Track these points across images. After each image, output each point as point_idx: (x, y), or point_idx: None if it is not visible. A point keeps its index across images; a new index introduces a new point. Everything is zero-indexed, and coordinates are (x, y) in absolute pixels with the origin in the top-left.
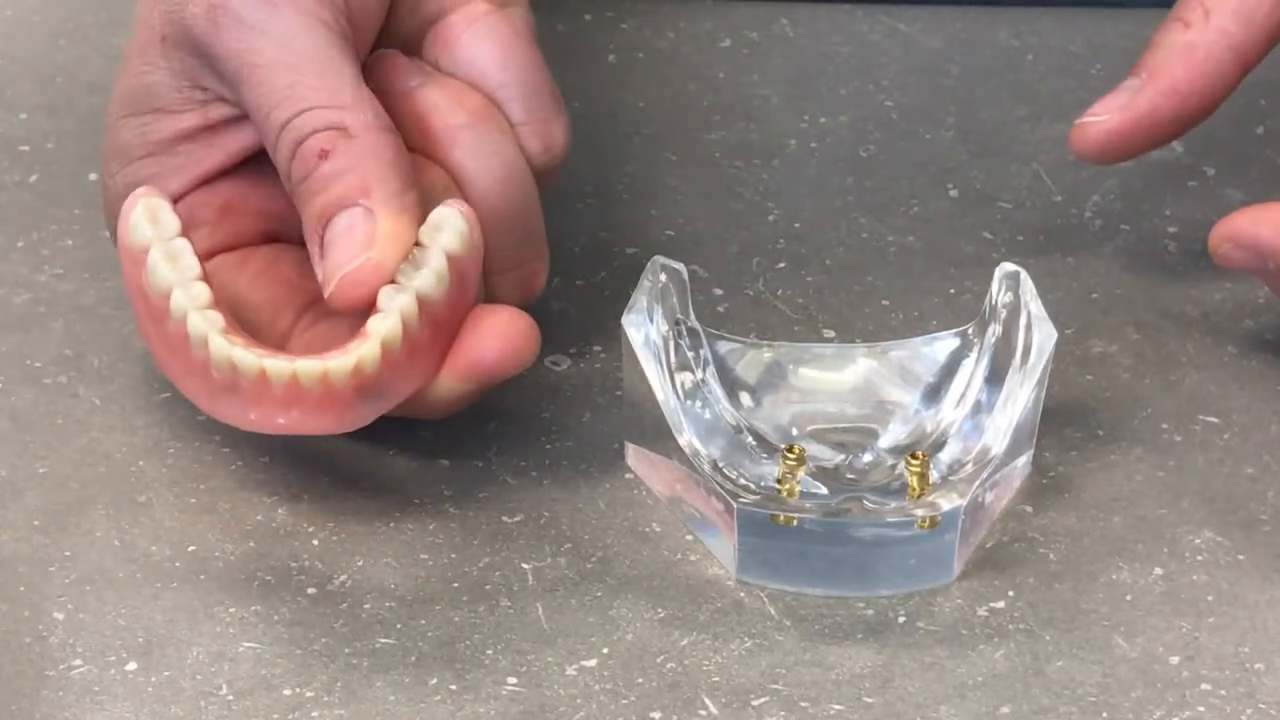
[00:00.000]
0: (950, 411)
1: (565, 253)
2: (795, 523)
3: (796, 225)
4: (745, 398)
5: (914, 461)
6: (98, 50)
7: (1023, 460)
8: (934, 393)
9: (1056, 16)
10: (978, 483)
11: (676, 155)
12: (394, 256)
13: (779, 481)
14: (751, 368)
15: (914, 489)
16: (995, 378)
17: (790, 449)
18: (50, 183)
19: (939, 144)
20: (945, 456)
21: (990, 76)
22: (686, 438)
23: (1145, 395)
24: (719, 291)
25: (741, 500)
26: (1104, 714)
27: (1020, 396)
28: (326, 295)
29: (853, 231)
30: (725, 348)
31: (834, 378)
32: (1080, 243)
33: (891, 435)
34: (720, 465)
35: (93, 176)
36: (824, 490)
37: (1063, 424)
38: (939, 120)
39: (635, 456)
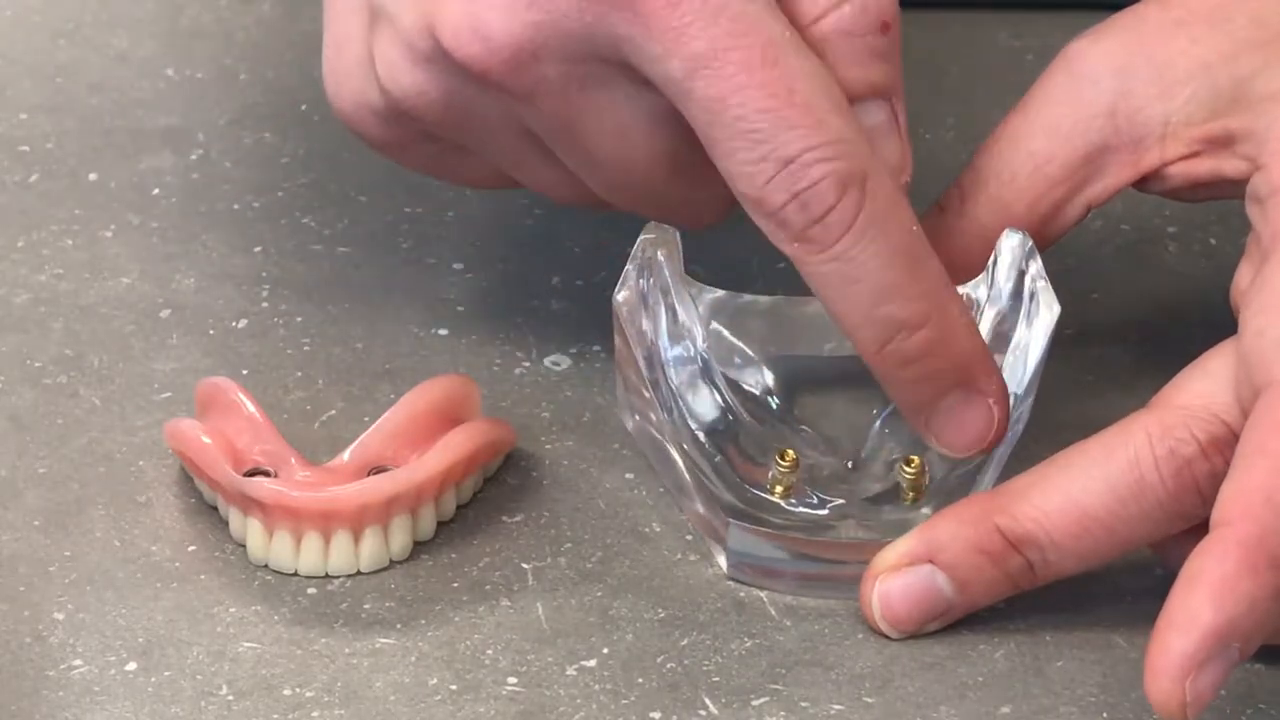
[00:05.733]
0: None
1: (565, 253)
2: (784, 539)
3: None
4: (744, 358)
5: (908, 467)
6: (98, 50)
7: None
8: None
9: (1056, 17)
10: (975, 489)
11: None
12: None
13: (771, 483)
14: (750, 323)
15: (907, 495)
16: (998, 340)
17: (783, 455)
18: (50, 183)
19: (939, 144)
20: None
21: (990, 76)
22: (680, 430)
23: (1145, 395)
24: None
25: (732, 521)
26: (1104, 714)
27: (1028, 358)
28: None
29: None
30: (722, 304)
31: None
32: (1080, 243)
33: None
34: (714, 459)
35: (93, 176)
36: (814, 500)
37: (1063, 424)
38: (939, 120)
39: (636, 428)
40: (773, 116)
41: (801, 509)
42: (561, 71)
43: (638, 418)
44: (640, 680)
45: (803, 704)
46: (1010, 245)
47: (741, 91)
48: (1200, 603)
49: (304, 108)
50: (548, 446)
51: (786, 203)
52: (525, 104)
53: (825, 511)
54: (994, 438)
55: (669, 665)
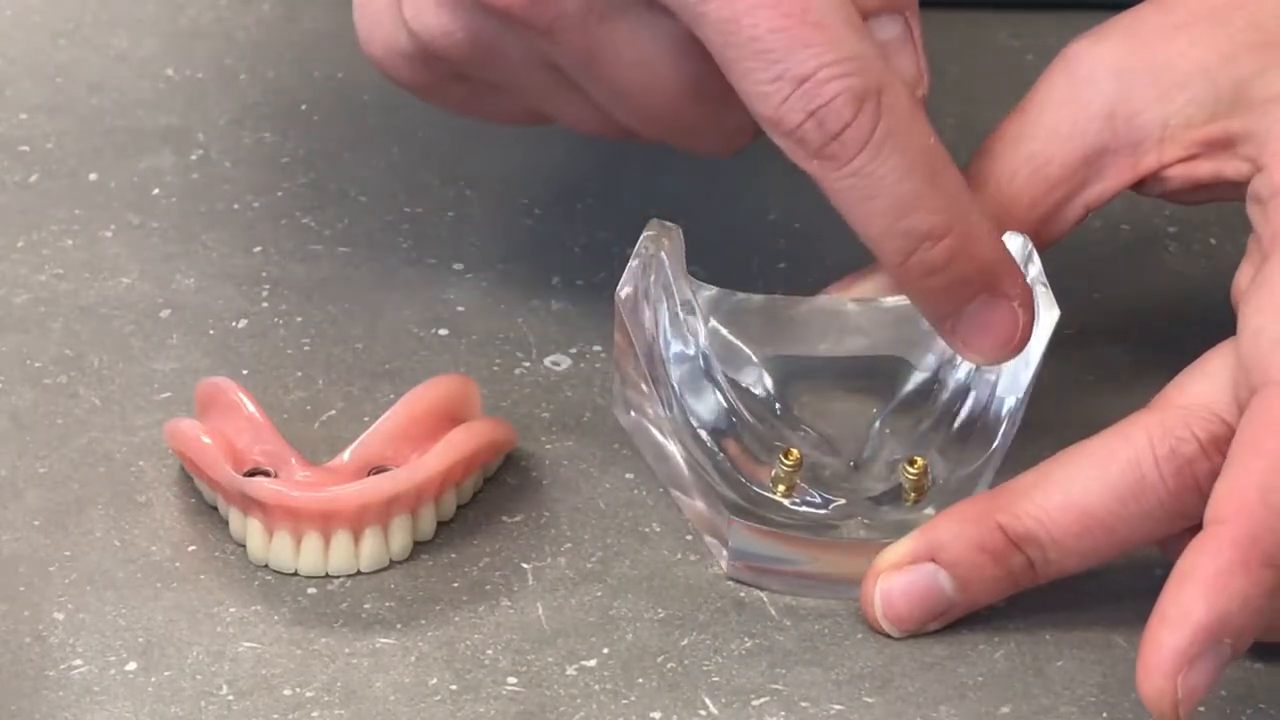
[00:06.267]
0: (950, 368)
1: (565, 253)
2: (787, 539)
3: (796, 225)
4: (743, 357)
5: (911, 468)
6: (98, 50)
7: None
8: (935, 348)
9: (1056, 17)
10: (977, 491)
11: (676, 155)
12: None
13: (774, 481)
14: (746, 321)
15: (909, 496)
16: None
17: (787, 453)
18: (50, 183)
19: None
20: (961, 413)
21: (990, 76)
22: (681, 428)
23: (1145, 395)
24: None
25: (736, 521)
26: (1104, 714)
27: (1028, 359)
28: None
29: (853, 231)
30: (717, 301)
31: (836, 332)
32: (1080, 243)
33: (895, 390)
34: (716, 456)
35: (93, 176)
36: (817, 500)
37: (1063, 424)
38: (939, 120)
39: (631, 425)
40: (786, 35)
41: (804, 508)
42: (580, 4)
43: (633, 413)
44: (640, 680)
45: (803, 704)
46: (1012, 248)
47: (754, 12)
48: (1193, 598)
49: (304, 108)
50: (548, 446)
51: (803, 121)
52: (547, 39)
53: (828, 511)
54: (1020, 340)
55: (669, 665)
